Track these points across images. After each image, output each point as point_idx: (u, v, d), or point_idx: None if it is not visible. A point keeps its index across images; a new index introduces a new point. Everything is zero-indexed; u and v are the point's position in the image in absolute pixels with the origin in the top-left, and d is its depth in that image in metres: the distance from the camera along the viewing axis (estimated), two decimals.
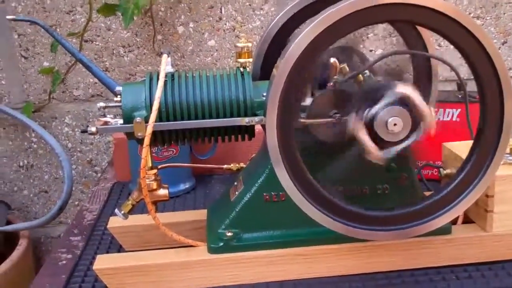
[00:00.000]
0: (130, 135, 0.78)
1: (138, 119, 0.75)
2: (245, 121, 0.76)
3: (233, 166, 0.93)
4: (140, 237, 0.90)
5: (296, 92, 0.68)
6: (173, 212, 0.94)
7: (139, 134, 0.76)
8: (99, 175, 1.54)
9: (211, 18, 1.44)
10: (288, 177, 0.71)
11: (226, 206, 0.82)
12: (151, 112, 0.75)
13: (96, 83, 1.48)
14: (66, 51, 1.02)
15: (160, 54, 0.79)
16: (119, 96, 0.79)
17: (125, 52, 1.46)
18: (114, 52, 1.46)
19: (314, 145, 0.75)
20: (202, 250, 0.80)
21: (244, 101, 0.77)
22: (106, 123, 0.79)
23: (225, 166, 0.94)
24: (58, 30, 1.42)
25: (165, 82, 0.76)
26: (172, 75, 0.78)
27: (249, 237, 0.79)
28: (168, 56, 0.79)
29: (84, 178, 1.55)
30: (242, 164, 0.93)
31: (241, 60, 0.80)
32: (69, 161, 1.35)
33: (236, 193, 0.82)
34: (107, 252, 0.91)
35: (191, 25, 1.44)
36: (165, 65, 0.75)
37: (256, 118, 0.76)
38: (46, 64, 1.45)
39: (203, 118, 0.76)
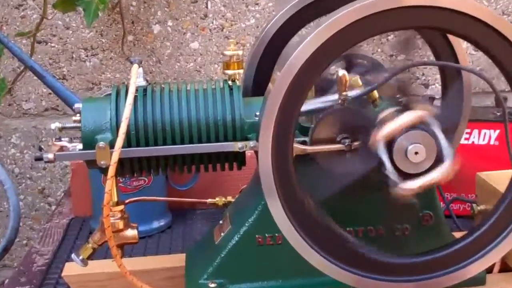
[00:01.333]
0: (91, 163, 0.79)
1: (101, 144, 0.76)
2: (237, 146, 0.77)
3: (219, 200, 0.94)
4: None
5: (295, 112, 0.69)
6: (144, 257, 0.95)
7: (102, 162, 0.77)
8: (53, 208, 1.54)
9: (194, 15, 1.46)
10: (284, 213, 0.71)
11: (210, 250, 0.83)
12: (117, 136, 0.76)
13: (51, 93, 1.48)
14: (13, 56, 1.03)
15: (130, 61, 0.79)
16: (78, 115, 0.80)
17: (87, 56, 1.47)
18: (74, 56, 1.47)
19: (318, 176, 0.75)
20: None
21: (232, 121, 0.78)
22: (62, 148, 0.80)
23: (208, 200, 0.95)
24: (4, 28, 1.43)
25: (136, 98, 0.77)
26: (145, 89, 0.79)
27: None
28: (140, 66, 0.81)
29: (34, 212, 1.56)
30: (229, 198, 0.94)
31: (230, 72, 0.81)
32: (15, 190, 1.36)
33: (222, 234, 0.83)
34: None
35: (170, 23, 1.46)
36: (136, 78, 0.76)
37: (251, 143, 0.77)
38: None
39: (182, 142, 0.78)
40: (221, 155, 0.79)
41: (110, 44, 1.47)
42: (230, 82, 0.81)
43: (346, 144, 0.74)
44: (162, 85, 0.81)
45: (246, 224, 0.80)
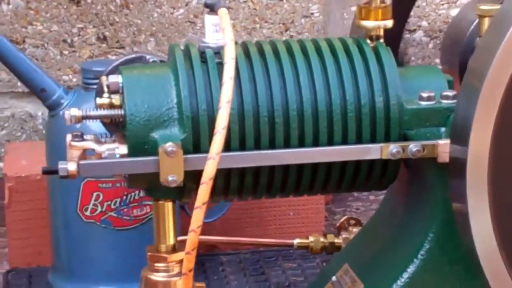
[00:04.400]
0: (139, 179, 0.76)
1: (169, 146, 0.73)
2: (388, 152, 0.75)
3: (315, 240, 0.92)
4: None
5: None
6: None
7: (170, 178, 0.73)
8: None
9: None
10: (507, 274, 0.70)
11: None
12: (192, 130, 0.74)
13: None
14: None
15: (207, 4, 0.76)
16: (109, 96, 0.77)
17: None
18: None
19: None
20: None
21: (385, 109, 0.76)
22: (84, 153, 0.76)
23: (296, 241, 0.93)
24: None
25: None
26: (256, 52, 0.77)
27: None
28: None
29: None
30: (332, 237, 0.92)
31: (369, 24, 0.79)
32: None
33: None
34: None
35: None
36: (231, 32, 0.73)
37: (412, 146, 0.75)
38: None
39: (302, 144, 0.75)
40: (362, 166, 0.77)
41: None
42: (370, 42, 0.79)
43: None
44: (262, 45, 0.77)
45: (398, 284, 0.79)
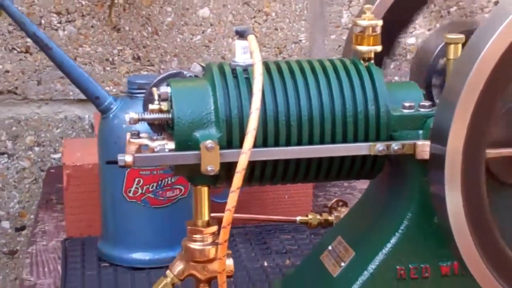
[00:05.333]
0: (183, 169, 0.75)
1: (209, 143, 0.71)
2: (375, 149, 0.74)
3: (313, 217, 0.91)
4: None
5: (495, 102, 0.67)
6: None
7: (209, 168, 0.72)
8: (3, 224, 1.46)
9: None
10: (473, 243, 0.69)
11: (328, 286, 0.79)
12: (225, 132, 0.73)
13: (8, 71, 1.40)
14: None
15: (237, 31, 0.75)
16: (159, 103, 0.76)
17: (60, 23, 1.40)
18: (43, 22, 1.40)
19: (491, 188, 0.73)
20: None
21: (376, 115, 0.75)
22: (140, 147, 0.75)
23: (298, 218, 0.91)
24: None
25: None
26: (274, 69, 0.76)
27: None
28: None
29: None
30: (326, 216, 0.91)
31: (363, 48, 0.78)
32: None
33: (343, 264, 0.80)
34: None
35: None
36: (259, 54, 0.71)
37: (394, 145, 0.74)
38: None
39: (320, 142, 0.74)
40: (356, 160, 0.76)
41: (92, 8, 1.40)
42: (364, 62, 0.78)
43: None
44: (280, 65, 0.76)
45: (384, 251, 0.77)
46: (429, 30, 1.47)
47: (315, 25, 1.45)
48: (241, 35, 0.74)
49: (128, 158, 0.73)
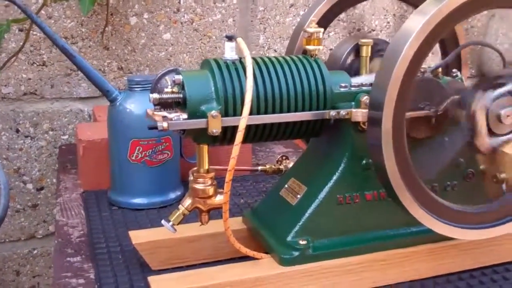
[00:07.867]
0: (194, 132, 0.67)
1: (214, 113, 0.65)
2: (330, 114, 0.69)
3: (269, 167, 0.84)
4: (172, 253, 0.78)
5: (415, 72, 0.62)
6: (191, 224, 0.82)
7: (214, 130, 0.65)
8: (28, 186, 1.34)
9: (168, 9, 1.32)
10: (399, 176, 0.64)
11: (289, 211, 0.74)
12: (223, 105, 0.66)
13: (30, 79, 1.28)
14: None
15: (228, 36, 0.68)
16: (172, 86, 0.68)
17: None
18: None
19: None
20: (269, 262, 0.71)
21: (324, 92, 0.70)
22: (163, 118, 0.68)
23: (260, 168, 0.85)
24: None
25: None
26: (256, 61, 0.69)
27: (323, 245, 0.71)
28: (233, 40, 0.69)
29: (9, 190, 1.33)
30: (278, 165, 0.85)
31: (311, 48, 0.72)
32: (1, 168, 1.15)
33: (298, 196, 0.74)
34: (129, 274, 0.77)
35: (146, 15, 1.31)
36: (247, 49, 0.65)
37: (342, 111, 0.69)
38: None
39: (288, 111, 0.68)
40: (316, 123, 0.72)
41: (89, 34, 1.29)
42: (311, 57, 0.73)
43: (432, 111, 0.69)
44: (263, 60, 0.70)
45: (329, 185, 0.72)
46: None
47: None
48: (230, 38, 0.68)
49: (165, 124, 0.66)
